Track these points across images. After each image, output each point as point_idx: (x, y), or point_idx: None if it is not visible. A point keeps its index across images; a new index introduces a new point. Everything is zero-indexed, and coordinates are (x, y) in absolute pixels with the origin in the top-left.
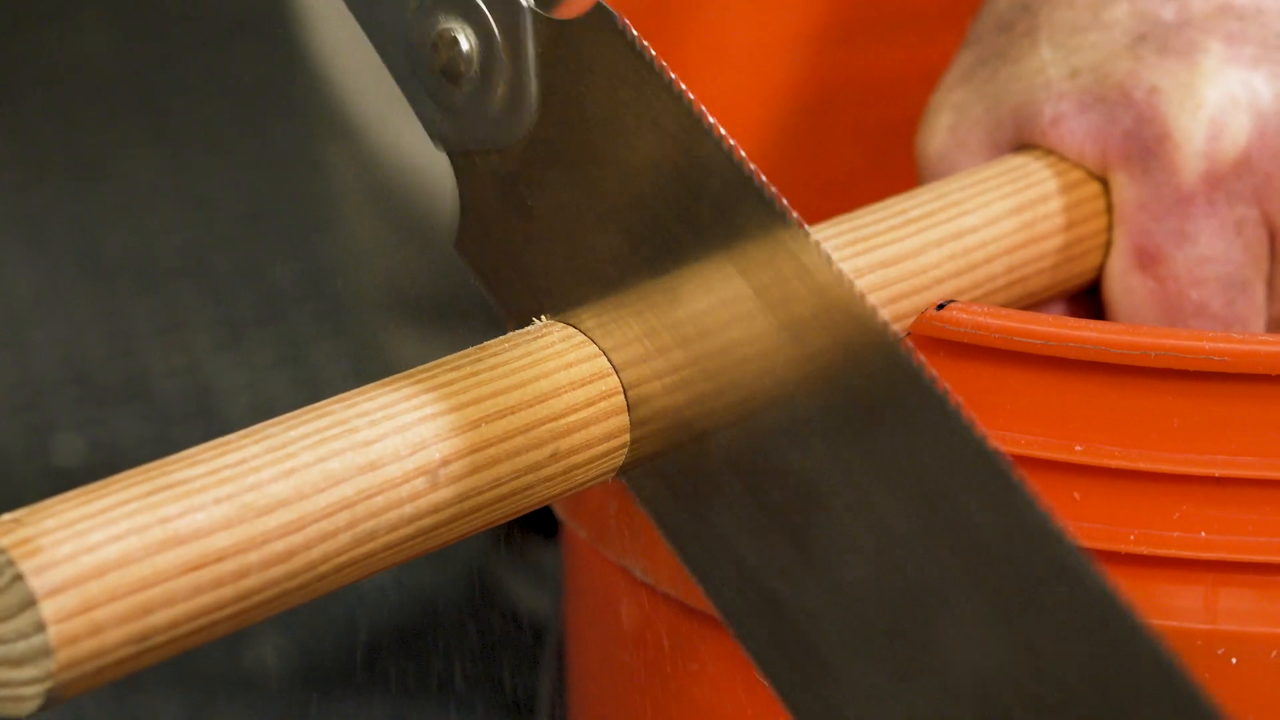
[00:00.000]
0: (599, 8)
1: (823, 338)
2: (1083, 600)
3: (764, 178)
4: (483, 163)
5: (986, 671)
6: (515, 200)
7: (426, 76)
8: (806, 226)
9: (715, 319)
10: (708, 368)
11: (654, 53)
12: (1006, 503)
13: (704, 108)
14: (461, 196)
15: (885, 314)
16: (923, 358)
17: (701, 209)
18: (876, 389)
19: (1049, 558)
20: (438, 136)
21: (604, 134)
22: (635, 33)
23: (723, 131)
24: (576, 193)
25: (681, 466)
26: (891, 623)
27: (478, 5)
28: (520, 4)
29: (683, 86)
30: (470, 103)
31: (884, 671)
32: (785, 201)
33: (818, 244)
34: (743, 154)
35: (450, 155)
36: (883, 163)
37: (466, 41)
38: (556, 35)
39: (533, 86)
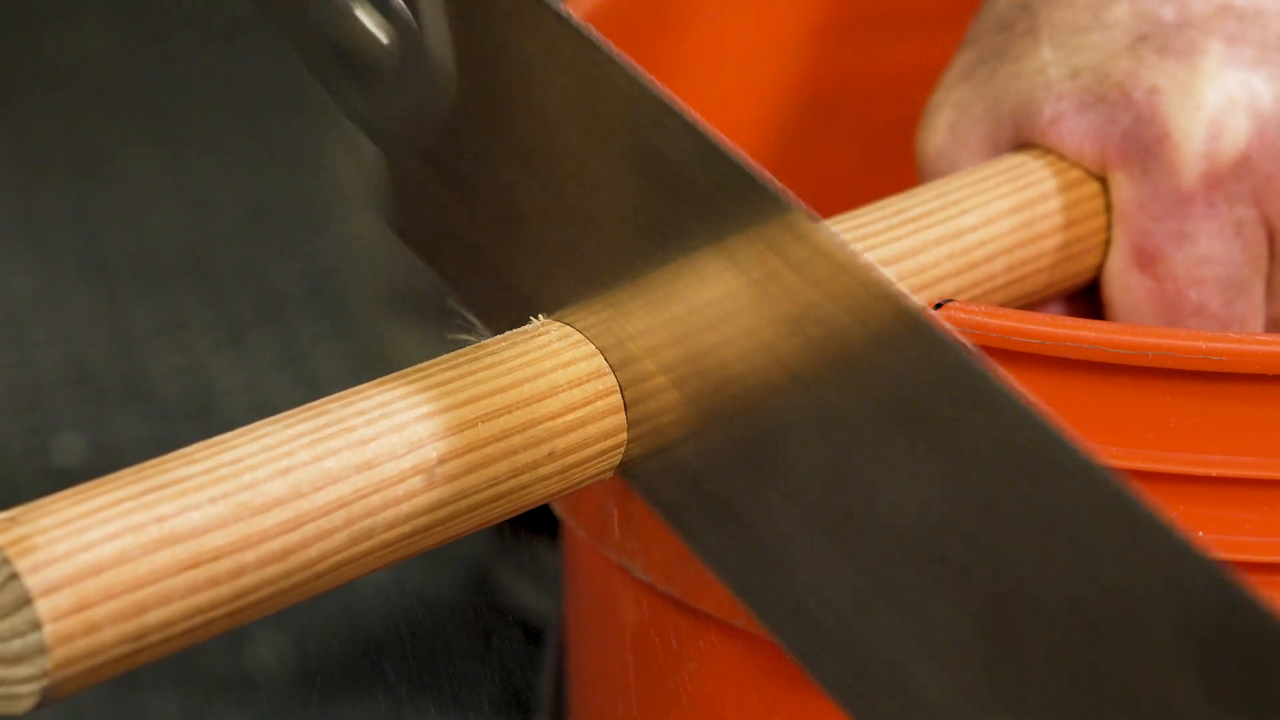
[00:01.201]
0: None
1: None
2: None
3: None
4: (408, 140)
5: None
6: (446, 173)
7: (342, 62)
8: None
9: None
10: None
11: (576, 21)
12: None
13: (637, 68)
14: (392, 177)
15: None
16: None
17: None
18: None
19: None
20: (359, 121)
21: (522, 93)
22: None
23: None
24: (506, 159)
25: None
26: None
27: None
28: None
29: (614, 53)
30: (388, 82)
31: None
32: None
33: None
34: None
35: (375, 139)
36: (883, 162)
37: (374, 22)
38: (472, 12)
39: (449, 56)
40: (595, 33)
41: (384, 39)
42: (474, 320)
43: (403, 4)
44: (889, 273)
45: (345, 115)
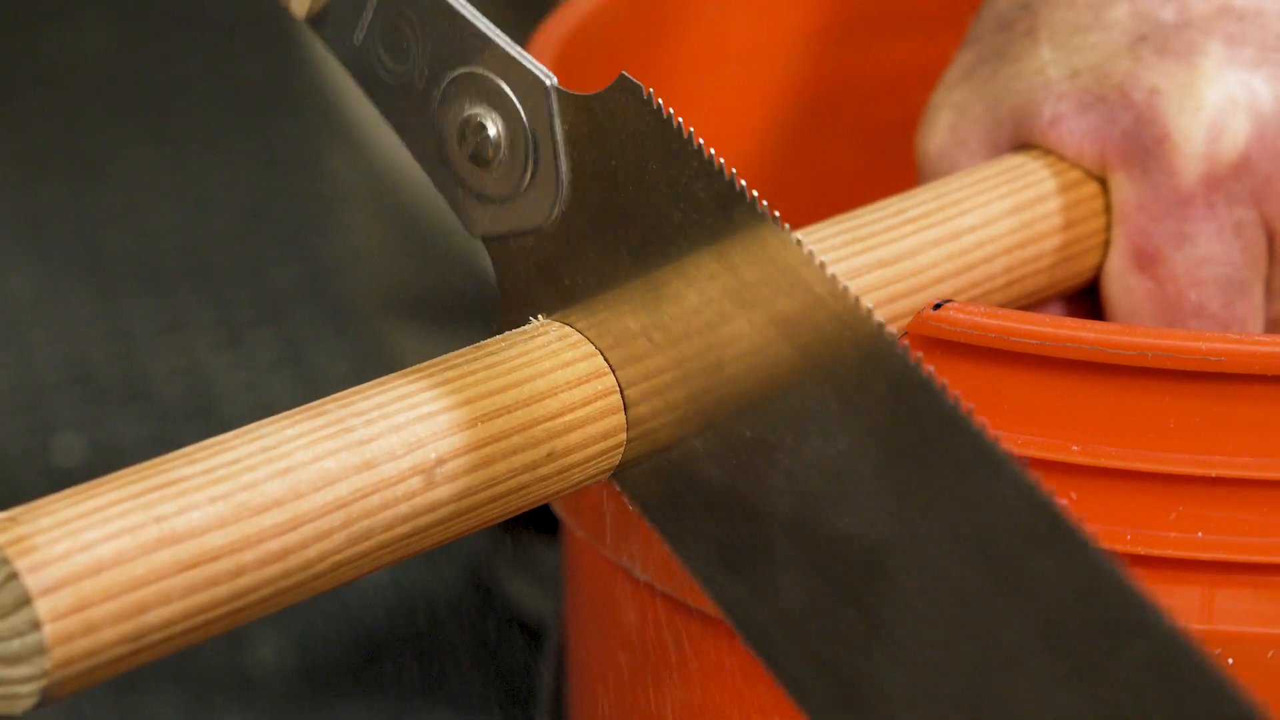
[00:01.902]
0: (622, 78)
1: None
2: (1157, 652)
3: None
4: (518, 245)
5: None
6: (552, 278)
7: (456, 165)
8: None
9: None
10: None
11: (676, 116)
12: (1066, 550)
13: (692, 128)
14: (500, 279)
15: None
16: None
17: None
18: (877, 387)
19: (1119, 611)
20: (472, 223)
21: (637, 205)
22: (660, 101)
23: (701, 141)
24: (610, 258)
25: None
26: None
27: (502, 89)
28: (545, 84)
29: (701, 142)
30: (501, 187)
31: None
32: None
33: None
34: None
35: (485, 242)
36: (883, 162)
37: (494, 126)
38: (583, 111)
39: (563, 165)
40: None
41: (499, 142)
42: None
43: (519, 107)
44: (887, 273)
45: (457, 216)
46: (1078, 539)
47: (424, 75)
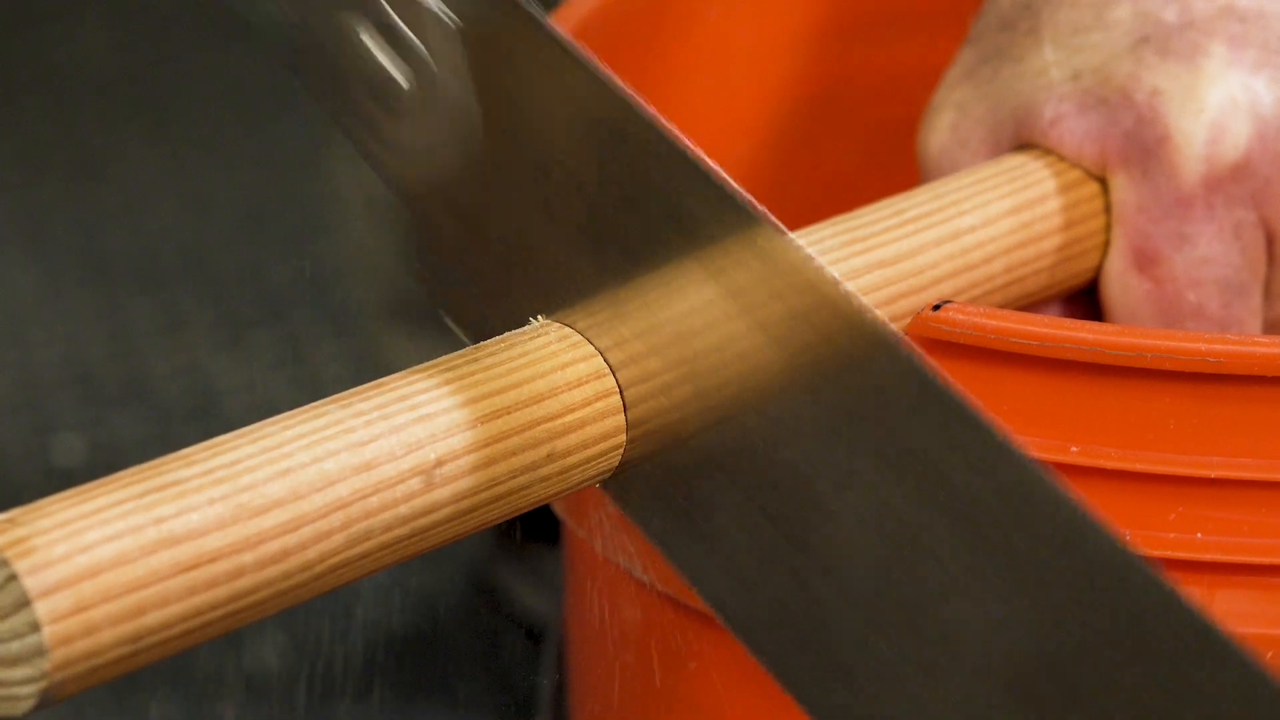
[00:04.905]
0: (513, 7)
1: (805, 335)
2: (1096, 562)
3: (724, 175)
4: (429, 186)
5: (1009, 651)
6: (470, 225)
7: (366, 112)
8: (780, 225)
9: (692, 323)
10: (691, 370)
11: (573, 42)
12: (1006, 472)
13: (626, 88)
14: (416, 231)
15: (866, 302)
16: (912, 343)
17: (665, 214)
18: (865, 379)
19: (1056, 523)
20: (382, 171)
21: (545, 138)
22: (555, 26)
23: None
24: (530, 210)
25: (673, 471)
26: (905, 615)
27: (406, 35)
28: (450, 26)
29: (607, 72)
30: (412, 133)
31: (906, 667)
32: (753, 199)
33: (794, 241)
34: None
35: (401, 194)
36: (884, 161)
37: (400, 72)
38: (489, 48)
39: (474, 107)
40: (593, 59)
41: (404, 83)
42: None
43: (421, 46)
44: (887, 273)
45: (373, 170)
46: (1006, 449)
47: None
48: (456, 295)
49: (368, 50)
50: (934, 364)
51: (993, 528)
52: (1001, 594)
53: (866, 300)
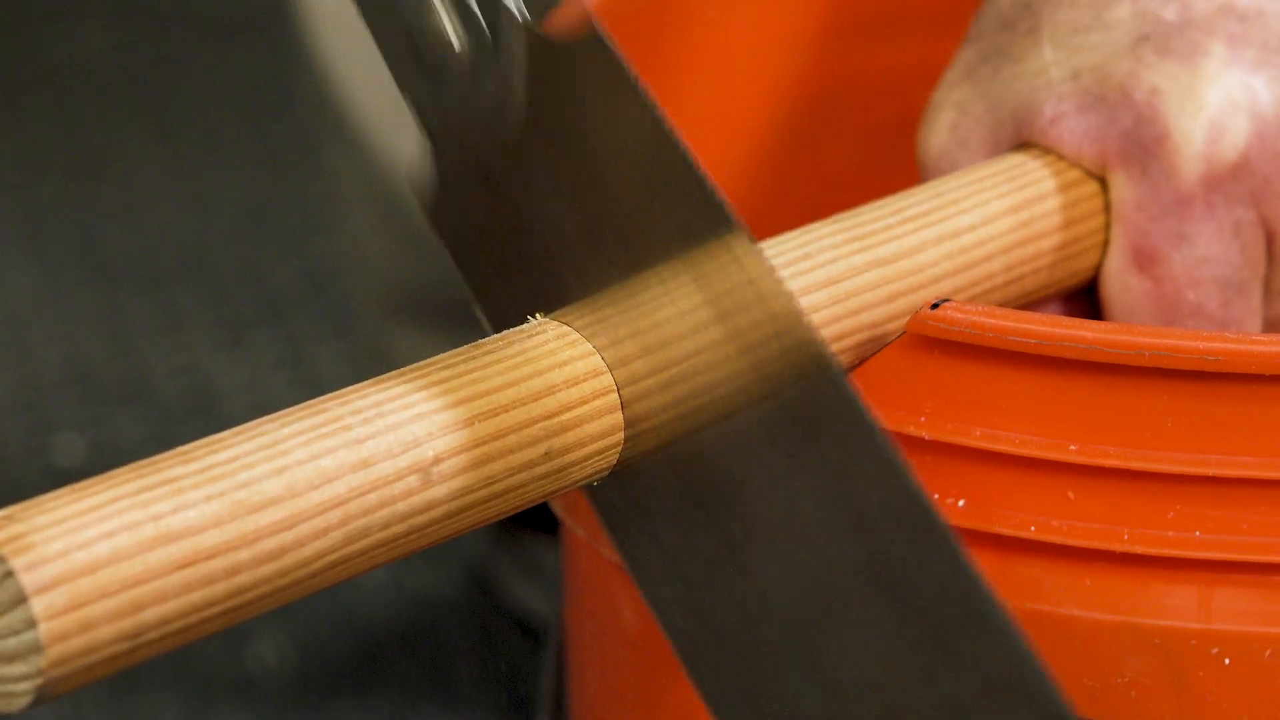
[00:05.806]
0: (593, 35)
1: (760, 349)
2: (990, 647)
3: (718, 188)
4: (466, 149)
5: (885, 688)
6: (495, 190)
7: (419, 61)
8: (752, 236)
9: (678, 327)
10: (675, 374)
11: (638, 77)
12: (927, 539)
13: (670, 121)
14: (439, 172)
15: (820, 332)
16: (853, 383)
17: (665, 218)
18: (812, 405)
19: (964, 602)
20: (423, 115)
21: (589, 154)
22: (624, 58)
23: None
24: (558, 204)
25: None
26: (811, 644)
27: (474, 10)
28: (514, 14)
29: (661, 110)
30: (459, 95)
31: (796, 672)
32: (737, 213)
33: (762, 255)
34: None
35: (428, 133)
36: (884, 161)
37: (458, 39)
38: (547, 52)
39: (520, 95)
40: (646, 88)
41: (457, 44)
42: (487, 324)
43: (482, 18)
44: (886, 271)
45: (407, 104)
46: (918, 496)
47: None
48: (468, 253)
49: (433, 5)
50: (865, 398)
51: (895, 566)
52: (891, 637)
53: (866, 299)
